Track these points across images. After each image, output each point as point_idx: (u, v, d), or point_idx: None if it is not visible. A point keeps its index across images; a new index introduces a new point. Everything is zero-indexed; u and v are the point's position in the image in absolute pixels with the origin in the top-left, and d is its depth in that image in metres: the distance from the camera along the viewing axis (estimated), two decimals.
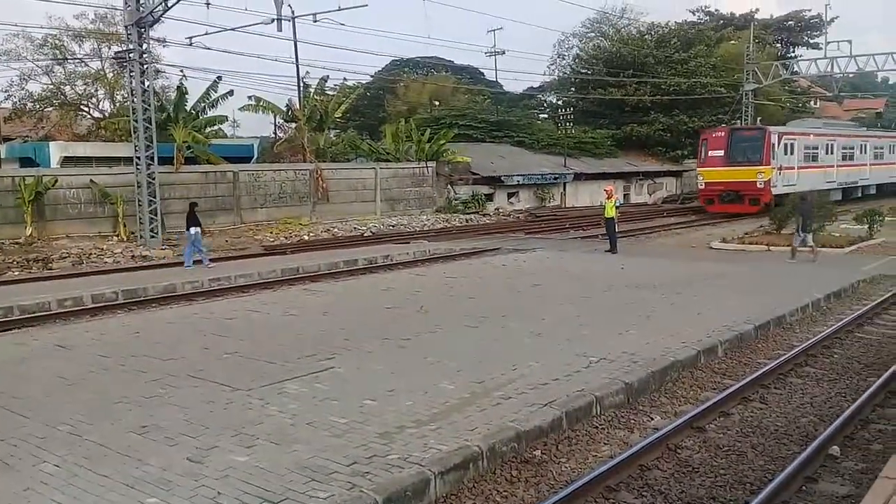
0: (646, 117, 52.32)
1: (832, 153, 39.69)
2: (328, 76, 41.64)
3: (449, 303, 13.79)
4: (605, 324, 11.55)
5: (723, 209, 34.78)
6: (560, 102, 62.40)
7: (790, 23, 72.20)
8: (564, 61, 64.09)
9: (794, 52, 71.09)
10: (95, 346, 10.80)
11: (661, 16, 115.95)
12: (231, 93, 36.49)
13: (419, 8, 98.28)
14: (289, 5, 25.95)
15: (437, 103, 54.75)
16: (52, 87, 40.47)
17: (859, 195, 42.70)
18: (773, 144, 33.92)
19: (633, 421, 7.90)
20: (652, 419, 7.96)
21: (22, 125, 43.29)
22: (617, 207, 22.31)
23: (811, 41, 71.46)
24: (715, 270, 17.33)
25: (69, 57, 40.26)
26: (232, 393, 8.27)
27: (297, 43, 39.81)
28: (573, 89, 57.71)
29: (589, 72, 54.30)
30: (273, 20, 24.50)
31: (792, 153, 35.67)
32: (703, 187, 36.72)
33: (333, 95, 40.93)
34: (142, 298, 16.10)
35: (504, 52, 56.43)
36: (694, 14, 70.89)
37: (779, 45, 69.97)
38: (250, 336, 11.21)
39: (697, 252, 21.86)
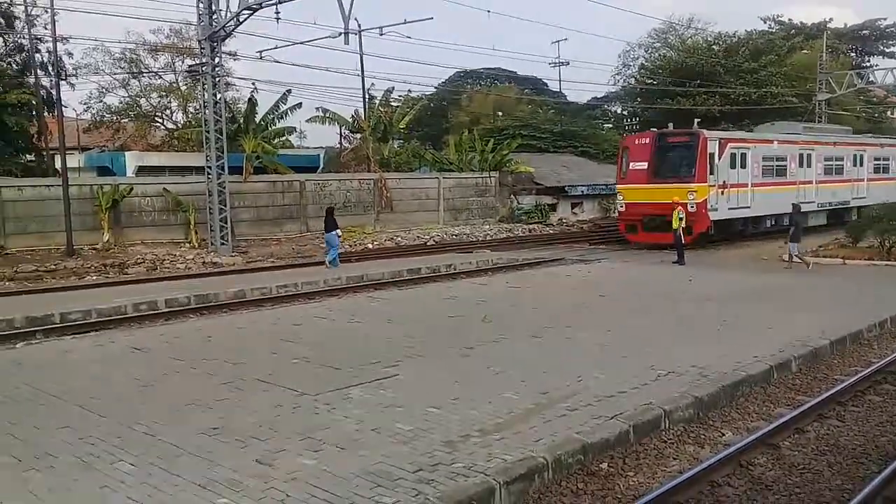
0: (714, 127, 51.27)
1: (809, 166, 30.71)
2: (393, 88, 42.15)
3: (512, 312, 13.74)
4: (673, 336, 11.34)
5: (647, 239, 26.33)
6: (625, 112, 61.70)
7: (864, 32, 69.86)
8: (629, 71, 63.35)
9: (868, 61, 68.76)
10: (169, 349, 11.12)
11: (729, 25, 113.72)
12: (299, 105, 37.22)
13: (484, 20, 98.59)
14: (355, 19, 26.37)
15: (500, 114, 54.76)
16: (128, 99, 42.06)
17: (855, 219, 31.28)
18: (712, 154, 25.78)
19: (703, 436, 7.72)
20: (723, 434, 7.77)
21: (100, 135, 45.11)
22: (680, 219, 21.83)
23: (887, 50, 69.06)
24: (787, 283, 16.84)
25: (145, 71, 41.77)
26: (299, 398, 8.40)
27: (364, 56, 40.42)
28: (639, 99, 57.01)
29: (654, 81, 53.59)
30: (340, 34, 24.88)
31: (743, 166, 27.11)
32: (622, 210, 27.67)
33: (398, 107, 41.38)
34: (213, 304, 16.51)
35: (568, 63, 56.21)
36: (765, 22, 69.20)
37: (853, 54, 67.77)
38: (317, 342, 11.38)
39: (769, 264, 21.26)
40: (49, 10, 28.21)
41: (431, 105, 57.66)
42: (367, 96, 42.08)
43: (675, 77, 51.75)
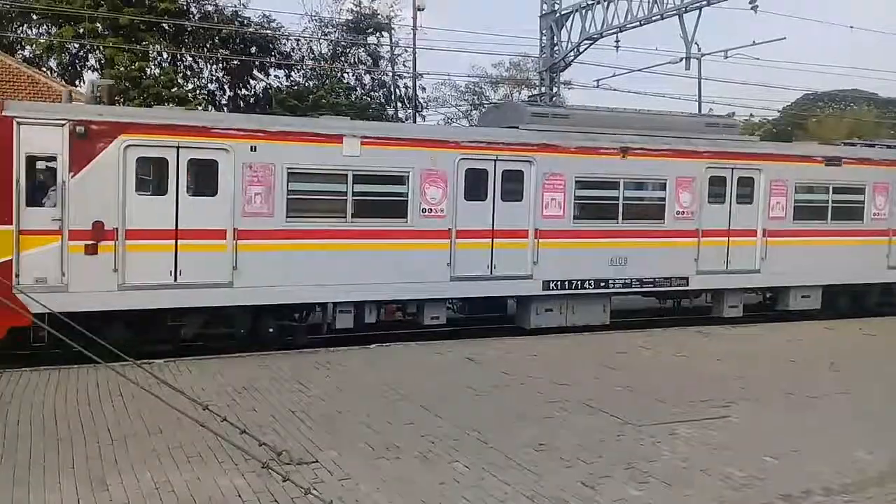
0: None
1: (517, 197, 14.05)
2: (734, 112, 40.09)
3: (862, 364, 12.29)
4: None
5: None
6: None
7: None
8: None
9: None
10: (499, 363, 11.70)
11: None
12: None
13: (845, 36, 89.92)
14: (696, 43, 25.58)
15: (856, 139, 49.37)
16: None
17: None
18: (32, 159, 10.99)
19: None
20: None
21: None
22: None
23: None
24: None
25: (486, 102, 44.88)
26: (623, 426, 8.34)
27: (702, 80, 39.11)
28: None
29: None
30: (681, 59, 24.37)
31: (209, 191, 11.95)
32: None
33: None
34: None
35: None
36: None
37: None
38: (640, 372, 11.20)
39: None
40: (409, 49, 31.66)
41: (774, 130, 53.82)
42: None
43: None
